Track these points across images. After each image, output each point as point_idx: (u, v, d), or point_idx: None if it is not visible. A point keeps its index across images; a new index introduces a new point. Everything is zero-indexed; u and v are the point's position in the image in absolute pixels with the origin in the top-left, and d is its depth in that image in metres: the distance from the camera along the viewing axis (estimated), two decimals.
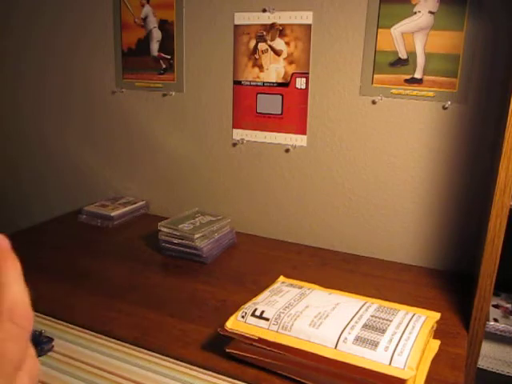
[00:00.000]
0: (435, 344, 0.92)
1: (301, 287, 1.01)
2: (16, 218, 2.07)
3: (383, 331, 0.82)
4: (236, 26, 1.48)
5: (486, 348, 1.25)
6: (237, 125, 1.55)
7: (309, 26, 1.39)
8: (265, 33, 1.44)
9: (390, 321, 0.86)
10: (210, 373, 0.87)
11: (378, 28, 1.30)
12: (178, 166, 1.68)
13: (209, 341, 0.96)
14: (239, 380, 0.85)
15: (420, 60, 1.28)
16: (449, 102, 1.26)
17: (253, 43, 1.46)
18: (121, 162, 1.79)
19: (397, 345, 0.79)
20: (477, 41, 1.21)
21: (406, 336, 0.81)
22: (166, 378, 0.85)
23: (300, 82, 1.43)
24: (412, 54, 1.28)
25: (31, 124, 1.95)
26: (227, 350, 0.89)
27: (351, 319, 0.86)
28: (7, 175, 2.07)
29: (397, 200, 1.39)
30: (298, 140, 1.47)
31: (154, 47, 1.62)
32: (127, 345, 0.94)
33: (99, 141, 1.80)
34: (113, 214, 1.61)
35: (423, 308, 0.97)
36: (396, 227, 1.41)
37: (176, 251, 1.36)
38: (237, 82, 1.52)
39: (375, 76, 1.34)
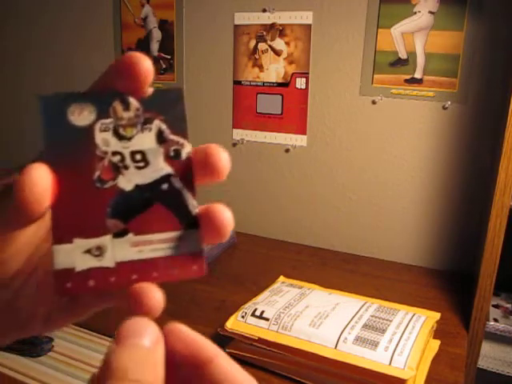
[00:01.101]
0: (435, 344, 0.92)
1: (301, 287, 1.01)
2: None
3: (383, 331, 0.82)
4: (236, 26, 1.48)
5: (486, 348, 1.25)
6: (237, 125, 1.55)
7: (309, 26, 1.39)
8: (265, 33, 1.44)
9: (390, 321, 0.86)
10: None
11: (378, 28, 1.30)
12: None
13: None
14: None
15: (420, 60, 1.28)
16: (449, 102, 1.26)
17: (253, 43, 1.46)
18: None
19: (397, 345, 0.79)
20: (477, 41, 1.21)
21: (406, 336, 0.81)
22: None
23: (300, 82, 1.43)
24: (412, 54, 1.28)
25: (31, 125, 1.95)
26: (227, 350, 0.89)
27: (351, 319, 0.86)
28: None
29: (397, 200, 1.39)
30: (298, 140, 1.47)
31: (154, 47, 1.62)
32: None
33: None
34: None
35: (423, 308, 0.97)
36: (396, 227, 1.41)
37: None
38: (237, 82, 1.52)
39: (375, 76, 1.34)
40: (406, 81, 1.30)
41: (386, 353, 0.77)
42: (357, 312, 0.89)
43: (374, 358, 0.76)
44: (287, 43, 1.42)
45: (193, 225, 0.23)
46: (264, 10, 1.43)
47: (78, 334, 0.98)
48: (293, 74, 1.44)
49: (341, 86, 1.39)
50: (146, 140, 0.23)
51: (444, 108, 1.28)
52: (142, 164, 0.23)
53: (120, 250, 0.22)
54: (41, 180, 0.19)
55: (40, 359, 0.88)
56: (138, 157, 0.23)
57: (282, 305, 0.91)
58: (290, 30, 1.41)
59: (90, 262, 0.21)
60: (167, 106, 0.23)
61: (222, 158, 0.23)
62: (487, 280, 1.02)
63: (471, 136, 1.27)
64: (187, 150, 0.23)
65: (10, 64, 1.94)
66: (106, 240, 0.22)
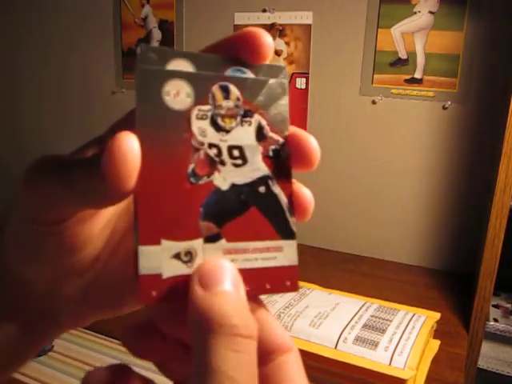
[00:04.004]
0: (435, 344, 0.92)
1: (301, 287, 1.01)
2: None
3: (383, 331, 0.82)
4: (236, 26, 1.48)
5: (486, 348, 1.25)
6: None
7: (309, 26, 1.39)
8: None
9: (390, 321, 0.86)
10: None
11: (378, 28, 1.30)
12: None
13: None
14: None
15: (420, 60, 1.28)
16: (449, 102, 1.26)
17: None
18: None
19: (397, 345, 0.79)
20: (477, 41, 1.21)
21: (406, 336, 0.81)
22: None
23: (300, 82, 1.43)
24: (412, 54, 1.28)
25: (29, 126, 1.95)
26: None
27: (351, 319, 0.86)
28: (3, 179, 2.07)
29: (397, 200, 1.39)
30: None
31: None
32: None
33: None
34: None
35: (423, 308, 0.97)
36: (396, 227, 1.41)
37: None
38: None
39: (375, 76, 1.34)
40: (406, 81, 1.30)
41: (386, 353, 0.77)
42: (357, 312, 0.89)
43: (374, 358, 0.76)
44: (287, 43, 1.42)
45: (289, 235, 0.21)
46: (264, 10, 1.43)
47: (77, 333, 0.98)
48: (293, 74, 1.44)
49: (341, 86, 1.39)
50: (245, 135, 0.21)
51: (444, 108, 1.28)
52: (239, 161, 0.20)
53: (211, 256, 0.19)
54: (131, 154, 0.17)
55: (40, 359, 0.88)
56: (236, 153, 0.20)
57: (281, 305, 0.91)
58: (290, 30, 1.41)
59: (179, 269, 0.19)
60: (269, 98, 0.21)
61: (314, 146, 0.21)
62: (487, 280, 1.02)
63: (471, 136, 1.27)
64: (287, 150, 0.21)
65: (7, 64, 1.94)
66: (197, 244, 0.19)
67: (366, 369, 0.76)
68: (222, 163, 0.20)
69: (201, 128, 0.20)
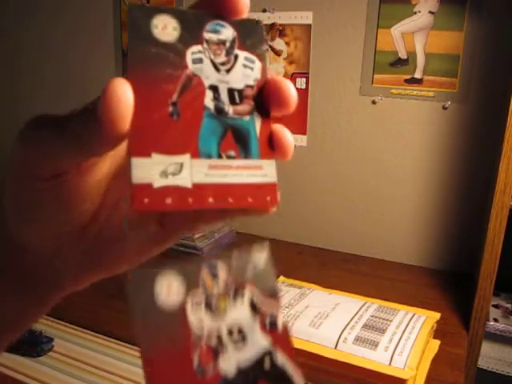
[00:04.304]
0: (435, 344, 0.92)
1: (301, 287, 1.01)
2: None
3: (383, 331, 0.82)
4: None
5: (486, 348, 1.25)
6: None
7: (309, 26, 1.39)
8: (265, 33, 1.44)
9: (390, 321, 0.86)
10: None
11: (377, 28, 1.30)
12: None
13: None
14: None
15: (420, 60, 1.28)
16: (449, 102, 1.26)
17: None
18: None
19: (397, 345, 0.79)
20: (477, 41, 1.21)
21: (406, 336, 0.81)
22: None
23: (300, 82, 1.43)
24: (412, 54, 1.28)
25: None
26: None
27: (351, 319, 0.86)
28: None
29: (397, 200, 1.39)
30: (297, 140, 1.47)
31: None
32: (127, 345, 0.94)
33: None
34: None
35: (423, 308, 0.97)
36: (396, 227, 1.41)
37: (176, 251, 1.36)
38: None
39: (375, 76, 1.34)
40: (406, 81, 1.30)
41: (386, 353, 0.77)
42: (357, 312, 0.89)
43: (374, 358, 0.76)
44: (287, 43, 1.42)
45: None
46: (264, 10, 1.43)
47: (78, 334, 0.98)
48: (293, 73, 1.44)
49: (341, 85, 1.39)
50: (240, 312, 0.21)
51: (444, 108, 1.28)
52: (240, 341, 0.21)
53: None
54: (125, 96, 0.18)
55: (40, 359, 0.88)
56: (236, 333, 0.21)
57: (281, 305, 0.91)
58: (290, 30, 1.41)
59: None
60: (255, 272, 0.22)
61: (291, 88, 0.23)
62: (487, 280, 1.02)
63: (471, 136, 1.27)
64: (283, 318, 0.22)
65: (9, 63, 1.94)
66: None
67: (366, 369, 0.76)
68: (224, 348, 0.21)
69: (198, 319, 0.20)
